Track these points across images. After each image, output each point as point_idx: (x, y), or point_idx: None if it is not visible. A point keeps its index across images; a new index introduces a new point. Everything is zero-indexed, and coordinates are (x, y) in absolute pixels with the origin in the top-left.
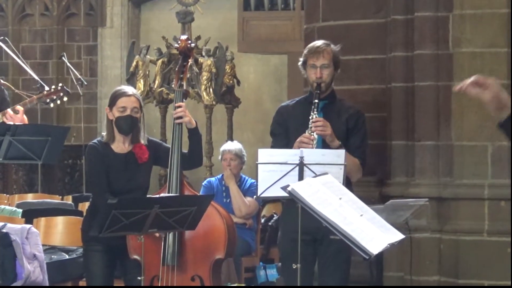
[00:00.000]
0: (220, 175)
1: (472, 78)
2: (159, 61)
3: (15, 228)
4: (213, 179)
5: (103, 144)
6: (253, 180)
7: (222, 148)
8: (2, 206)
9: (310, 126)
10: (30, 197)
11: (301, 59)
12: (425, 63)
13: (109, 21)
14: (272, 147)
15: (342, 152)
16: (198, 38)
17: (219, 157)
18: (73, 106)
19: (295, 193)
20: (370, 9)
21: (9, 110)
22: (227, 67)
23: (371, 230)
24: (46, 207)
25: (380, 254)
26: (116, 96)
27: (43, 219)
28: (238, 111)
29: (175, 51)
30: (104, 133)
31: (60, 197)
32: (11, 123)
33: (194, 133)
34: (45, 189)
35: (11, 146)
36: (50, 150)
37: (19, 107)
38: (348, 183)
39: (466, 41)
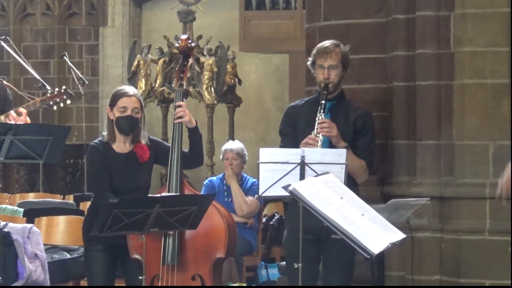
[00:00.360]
0: (222, 174)
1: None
2: (161, 61)
3: (17, 228)
4: (214, 178)
5: (104, 144)
6: (254, 180)
7: (223, 148)
8: (4, 206)
9: (316, 127)
10: (31, 197)
11: (310, 58)
12: (426, 62)
13: (111, 20)
14: (281, 146)
15: (343, 151)
16: (200, 37)
17: (221, 157)
18: (75, 105)
19: (296, 192)
20: (372, 9)
21: (12, 112)
22: (228, 66)
23: (372, 230)
24: (48, 207)
25: (382, 254)
26: (117, 96)
27: (44, 218)
28: (239, 111)
29: (176, 51)
30: (105, 133)
31: (62, 196)
32: (13, 122)
33: (194, 133)
34: (46, 189)
35: (12, 146)
36: (51, 149)
37: (22, 110)
38: (354, 183)
39: (467, 40)
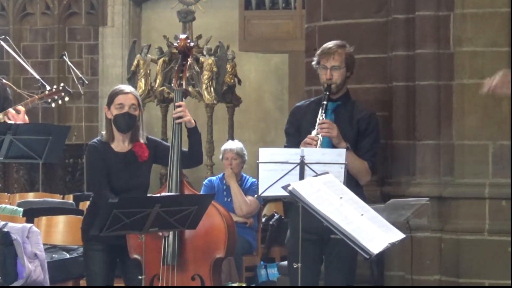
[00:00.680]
0: (221, 174)
1: (496, 80)
2: (160, 60)
3: (16, 227)
4: (214, 178)
5: (103, 143)
6: (254, 179)
7: (223, 147)
8: (3, 205)
9: (316, 127)
10: (31, 196)
11: (315, 59)
12: (426, 62)
13: (110, 20)
14: (286, 146)
15: (342, 151)
16: (199, 37)
17: (220, 156)
18: (74, 105)
19: (296, 192)
20: (371, 8)
21: (11, 110)
22: (228, 66)
23: (372, 230)
24: (47, 206)
25: (381, 254)
26: (113, 95)
27: (44, 218)
28: (239, 110)
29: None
30: (103, 132)
31: (61, 196)
32: (12, 122)
33: (193, 133)
34: (46, 188)
35: (12, 145)
36: (51, 149)
37: (20, 107)
38: (357, 185)
39: (467, 40)
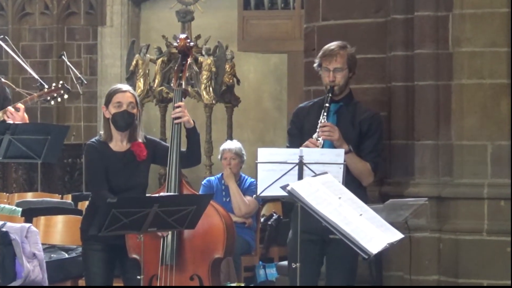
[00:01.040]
0: (220, 174)
1: None
2: (159, 60)
3: (15, 227)
4: (212, 178)
5: (101, 143)
6: (252, 179)
7: (222, 147)
8: (2, 205)
9: (317, 130)
10: (29, 196)
11: (316, 60)
12: (425, 63)
13: (109, 20)
14: (288, 146)
15: (341, 151)
16: (198, 37)
17: (219, 156)
18: (73, 105)
19: (295, 192)
20: (370, 9)
21: (10, 108)
22: (227, 66)
23: (370, 230)
24: (46, 206)
25: (380, 254)
26: (111, 93)
27: (42, 218)
28: (238, 110)
29: (175, 50)
30: (102, 132)
31: (60, 196)
32: (11, 122)
33: (192, 133)
34: (44, 188)
35: (10, 145)
36: (50, 149)
37: (20, 105)
38: (360, 186)
39: (466, 40)
